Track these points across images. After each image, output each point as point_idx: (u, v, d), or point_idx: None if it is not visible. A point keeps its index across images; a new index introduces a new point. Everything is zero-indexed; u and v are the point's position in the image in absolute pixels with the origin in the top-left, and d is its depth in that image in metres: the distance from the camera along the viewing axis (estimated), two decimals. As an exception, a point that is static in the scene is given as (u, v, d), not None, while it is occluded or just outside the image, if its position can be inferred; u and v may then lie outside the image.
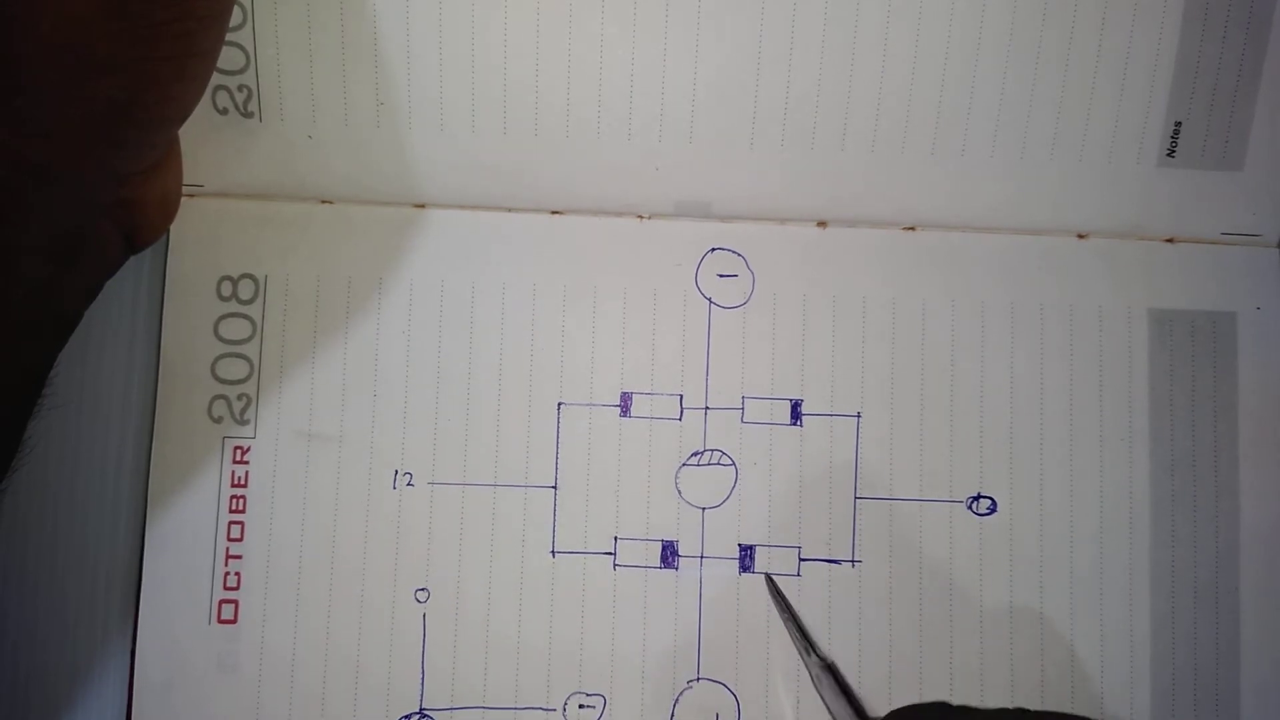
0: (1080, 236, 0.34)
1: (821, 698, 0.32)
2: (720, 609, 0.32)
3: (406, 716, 0.32)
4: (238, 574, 0.32)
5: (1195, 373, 0.33)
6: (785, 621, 0.32)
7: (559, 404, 0.33)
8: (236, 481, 0.32)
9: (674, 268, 0.34)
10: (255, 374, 0.33)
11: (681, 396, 0.33)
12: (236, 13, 0.32)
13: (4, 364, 0.26)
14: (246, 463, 0.32)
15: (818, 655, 0.31)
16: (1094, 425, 0.33)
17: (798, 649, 0.32)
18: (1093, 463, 0.33)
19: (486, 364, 0.33)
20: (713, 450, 0.33)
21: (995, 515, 0.33)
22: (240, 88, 0.32)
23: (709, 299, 0.34)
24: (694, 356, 0.33)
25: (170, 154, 0.30)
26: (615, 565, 0.33)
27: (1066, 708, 0.32)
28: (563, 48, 0.33)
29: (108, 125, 0.25)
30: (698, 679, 0.32)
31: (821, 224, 0.34)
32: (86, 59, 0.23)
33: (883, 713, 0.31)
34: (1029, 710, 0.31)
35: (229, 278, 0.33)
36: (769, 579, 0.32)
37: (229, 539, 0.32)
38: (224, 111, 0.32)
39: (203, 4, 0.25)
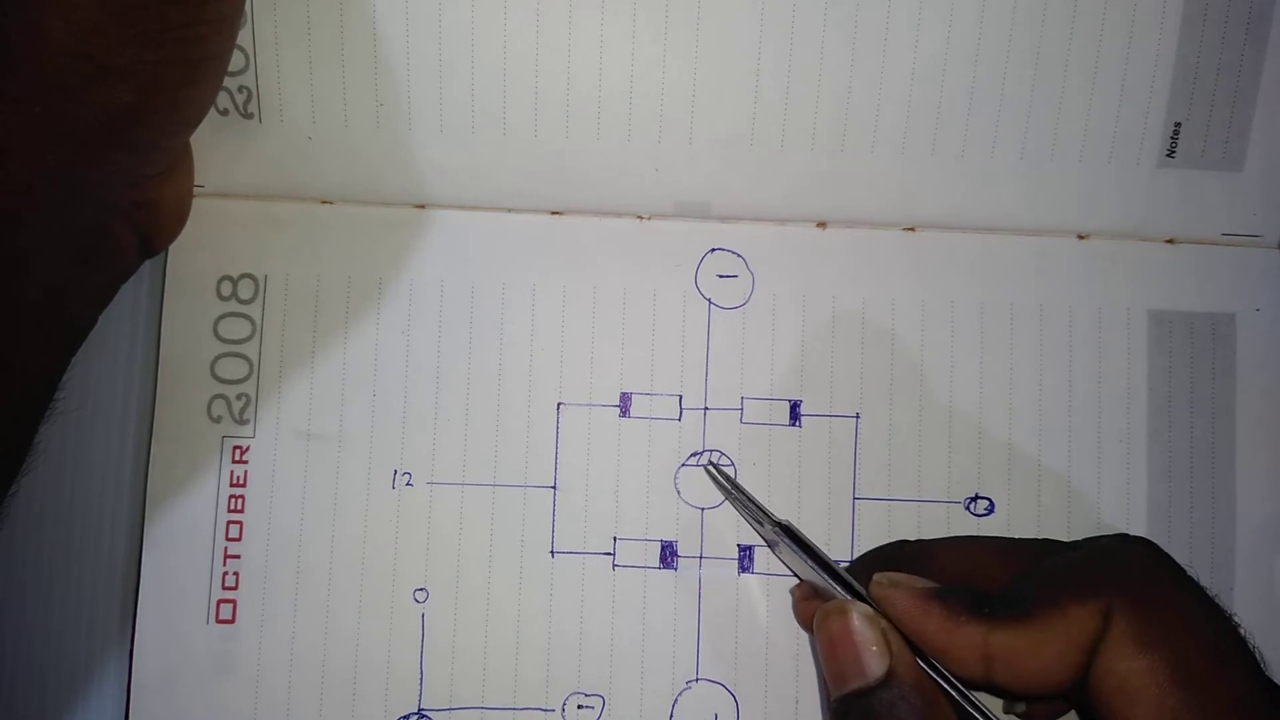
0: (1080, 237, 0.34)
1: (784, 563, 0.32)
2: (719, 609, 0.32)
3: (405, 717, 0.32)
4: (236, 574, 0.32)
5: (1194, 374, 0.33)
6: (735, 504, 0.32)
7: (558, 404, 0.33)
8: (235, 481, 0.32)
9: (674, 268, 0.34)
10: (255, 374, 0.33)
11: (681, 397, 0.33)
12: (236, 13, 0.32)
13: (19, 367, 0.26)
14: (245, 462, 0.32)
15: (771, 521, 0.30)
16: (1092, 426, 0.33)
17: (751, 524, 0.32)
18: (1090, 463, 0.33)
19: (486, 364, 0.33)
20: (712, 450, 0.33)
21: (993, 516, 0.33)
22: (240, 88, 0.32)
23: (709, 299, 0.34)
24: (693, 357, 0.33)
25: (183, 157, 0.30)
26: (614, 565, 0.33)
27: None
28: (563, 48, 0.33)
29: (121, 129, 0.25)
30: (697, 679, 0.32)
31: (821, 225, 0.34)
32: (98, 63, 0.24)
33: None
34: (979, 536, 0.32)
35: (229, 277, 0.33)
36: (708, 468, 0.32)
37: (228, 538, 0.32)
38: (224, 112, 0.32)
39: (213, 8, 0.25)
